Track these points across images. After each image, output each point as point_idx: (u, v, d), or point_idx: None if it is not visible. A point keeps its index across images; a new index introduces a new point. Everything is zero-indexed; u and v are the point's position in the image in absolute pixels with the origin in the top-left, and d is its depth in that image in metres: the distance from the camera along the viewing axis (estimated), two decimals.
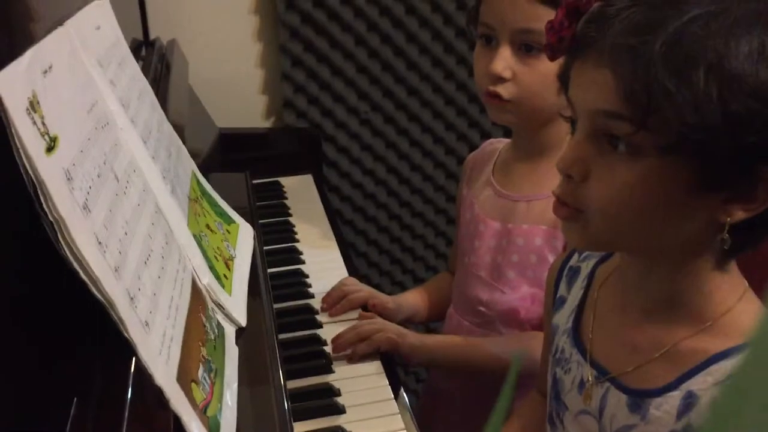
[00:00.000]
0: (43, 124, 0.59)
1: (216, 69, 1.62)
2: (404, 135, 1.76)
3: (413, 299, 1.28)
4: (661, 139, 0.58)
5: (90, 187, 0.64)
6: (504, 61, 1.00)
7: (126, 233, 0.68)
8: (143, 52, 1.41)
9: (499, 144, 1.21)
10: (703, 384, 0.65)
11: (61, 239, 0.57)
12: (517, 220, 1.09)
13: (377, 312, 1.18)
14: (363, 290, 1.20)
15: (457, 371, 1.15)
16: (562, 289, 0.83)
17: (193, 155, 1.30)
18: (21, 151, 0.55)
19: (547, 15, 0.97)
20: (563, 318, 0.81)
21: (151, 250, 0.73)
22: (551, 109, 0.99)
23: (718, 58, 0.55)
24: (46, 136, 0.59)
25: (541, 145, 1.08)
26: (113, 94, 0.82)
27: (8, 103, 0.54)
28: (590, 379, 0.74)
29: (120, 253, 0.65)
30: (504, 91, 1.02)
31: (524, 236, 1.07)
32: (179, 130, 1.24)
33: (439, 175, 1.82)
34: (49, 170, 0.57)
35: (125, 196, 0.72)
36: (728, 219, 0.61)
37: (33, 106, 0.58)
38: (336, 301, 1.18)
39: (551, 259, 1.05)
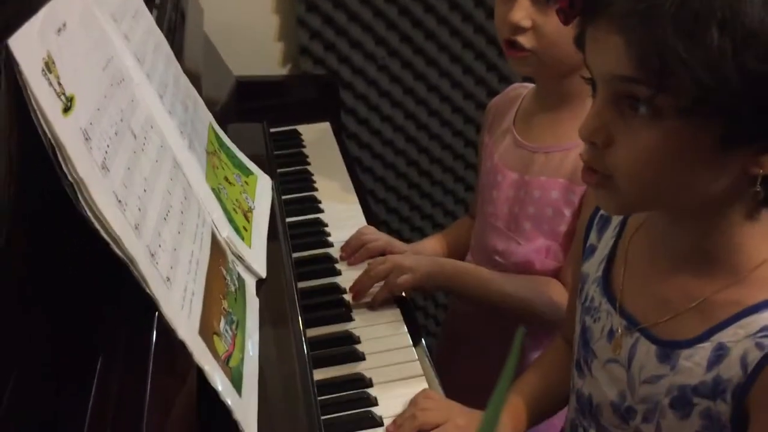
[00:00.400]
0: (59, 84, 0.60)
1: (231, 15, 1.60)
2: (422, 80, 1.74)
3: (431, 246, 1.29)
4: (681, 101, 0.57)
5: (108, 146, 0.65)
6: (523, 10, 0.99)
7: (145, 190, 0.69)
8: (158, 1, 1.40)
9: (523, 90, 1.19)
10: (734, 336, 0.65)
11: (81, 199, 0.57)
12: (535, 172, 1.08)
13: None
14: (381, 239, 1.21)
15: (470, 299, 1.16)
16: (593, 237, 0.83)
17: (210, 104, 1.30)
18: (38, 113, 0.55)
19: None
20: (593, 266, 0.81)
21: (171, 206, 0.74)
22: (572, 59, 0.97)
23: (731, 14, 0.54)
24: (63, 96, 0.59)
25: (562, 95, 1.07)
26: (128, 49, 0.82)
27: (24, 66, 0.54)
28: (620, 329, 0.75)
29: (140, 210, 0.66)
30: (523, 40, 1.01)
31: (541, 188, 1.07)
32: (195, 79, 1.24)
33: (457, 119, 1.81)
34: (66, 131, 0.57)
35: (143, 152, 0.72)
36: (761, 171, 0.60)
37: (48, 66, 0.59)
38: (354, 251, 1.19)
39: (567, 213, 1.05)
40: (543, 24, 0.99)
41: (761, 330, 0.64)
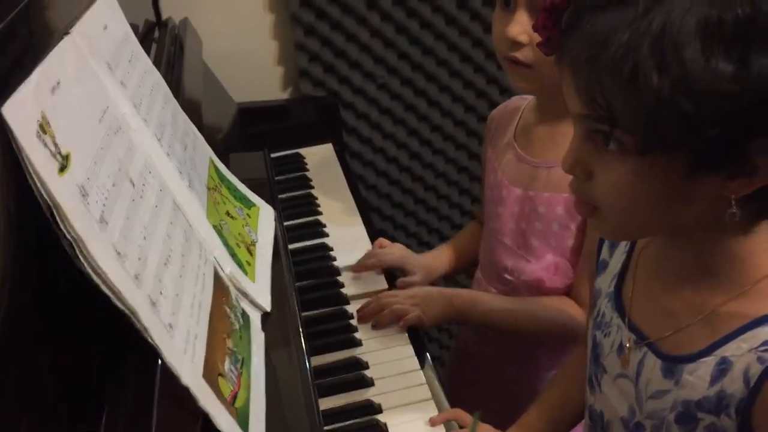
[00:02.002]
0: (55, 144, 0.61)
1: (230, 44, 1.62)
2: (422, 96, 1.75)
3: (445, 259, 1.30)
4: (636, 139, 0.59)
5: (106, 198, 0.66)
6: (520, 25, 0.99)
7: (145, 238, 0.70)
8: (156, 34, 1.42)
9: (522, 102, 1.19)
10: (737, 350, 0.65)
11: (80, 255, 0.59)
12: (538, 187, 1.09)
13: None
14: (395, 253, 1.22)
15: (484, 329, 1.17)
16: (604, 252, 0.84)
17: (213, 133, 1.32)
18: (34, 175, 0.57)
19: None
20: (605, 282, 0.82)
21: (171, 250, 0.75)
22: None
23: (665, 65, 0.55)
24: (58, 156, 0.61)
25: (561, 109, 1.07)
26: (124, 96, 0.83)
27: (17, 131, 0.56)
28: (629, 343, 0.75)
29: (140, 259, 0.67)
30: (521, 55, 1.01)
31: (546, 204, 1.07)
32: (196, 110, 1.26)
33: (459, 133, 1.82)
34: (63, 191, 0.59)
35: (142, 199, 0.74)
36: (732, 195, 0.61)
37: (43, 127, 0.60)
38: (370, 267, 1.20)
39: (573, 227, 1.06)
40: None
41: (763, 344, 0.64)
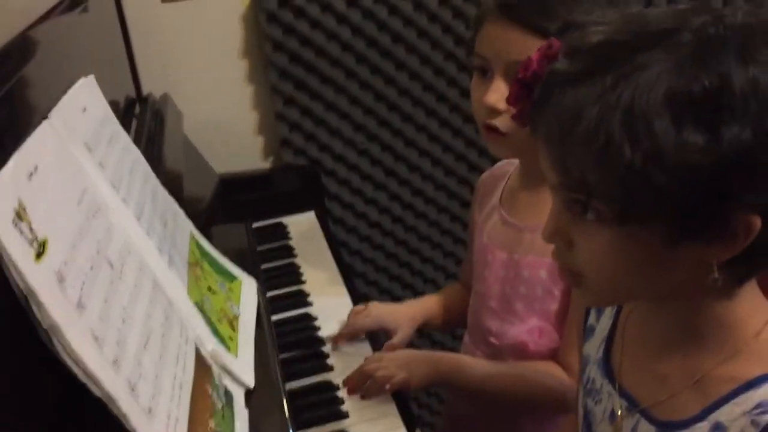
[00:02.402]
0: (31, 230, 0.61)
1: (210, 115, 1.64)
2: (402, 161, 1.77)
3: (426, 304, 1.29)
4: (613, 210, 0.60)
5: (83, 282, 0.66)
6: (498, 92, 1.00)
7: (123, 320, 0.70)
8: (137, 110, 1.43)
9: (510, 166, 1.20)
10: (731, 414, 0.64)
11: (57, 343, 0.58)
12: (523, 251, 1.09)
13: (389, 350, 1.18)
14: (370, 314, 1.21)
15: (469, 395, 1.15)
16: (592, 317, 0.83)
17: (195, 205, 1.32)
18: (9, 264, 0.56)
19: (540, 46, 0.97)
20: (593, 348, 0.81)
21: (151, 331, 0.74)
22: None
23: (636, 138, 0.56)
24: (35, 243, 0.61)
25: (543, 174, 1.08)
26: (103, 177, 0.83)
27: None
28: (620, 410, 0.74)
29: (118, 342, 0.66)
30: (500, 123, 1.02)
31: (530, 268, 1.08)
32: (177, 183, 1.26)
33: (441, 196, 1.83)
34: (39, 278, 0.58)
35: (121, 281, 0.73)
36: (714, 260, 0.61)
37: (19, 214, 0.60)
38: (346, 337, 1.19)
39: (557, 292, 1.05)
40: None
41: (757, 407, 0.63)
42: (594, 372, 0.79)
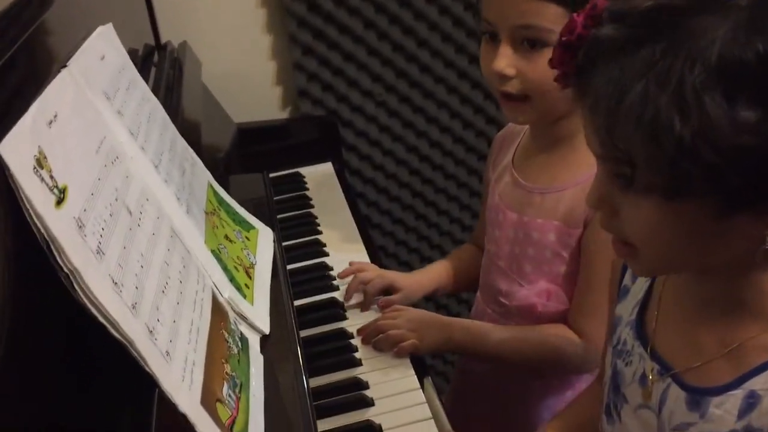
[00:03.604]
0: (51, 177, 0.62)
1: (229, 65, 1.64)
2: (420, 112, 1.77)
3: (436, 273, 1.30)
4: (660, 185, 0.58)
5: (103, 229, 0.67)
6: (506, 58, 0.99)
7: (142, 266, 0.72)
8: (156, 58, 1.44)
9: (525, 126, 1.20)
10: (766, 384, 0.64)
11: (77, 287, 0.60)
12: (532, 213, 1.09)
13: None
14: (380, 277, 1.22)
15: (481, 359, 1.17)
16: (627, 278, 0.82)
17: (213, 155, 1.33)
18: (30, 210, 0.58)
19: (545, 10, 0.96)
20: (627, 309, 0.80)
21: (169, 277, 0.76)
22: (563, 104, 0.98)
23: (686, 113, 0.54)
24: (55, 190, 0.62)
25: (555, 137, 1.07)
26: (121, 125, 0.84)
27: (14, 168, 0.57)
28: (651, 374, 0.74)
29: (137, 288, 0.68)
30: (511, 88, 1.01)
31: (539, 230, 1.08)
32: (196, 132, 1.27)
33: (458, 149, 1.83)
34: (59, 224, 0.60)
35: (139, 228, 0.75)
36: (766, 232, 0.60)
37: (40, 162, 0.61)
38: (353, 293, 1.21)
39: (565, 254, 1.06)
40: (527, 71, 0.98)
41: None
42: (626, 333, 0.79)
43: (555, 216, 1.06)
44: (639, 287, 0.80)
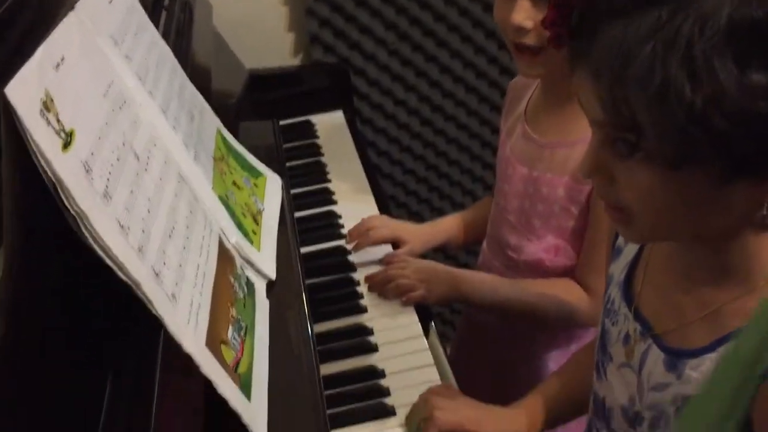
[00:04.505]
0: (58, 121, 0.63)
1: (240, 9, 1.62)
2: (433, 62, 1.75)
3: (447, 226, 1.31)
4: (665, 152, 0.57)
5: (110, 173, 0.68)
6: (524, 11, 0.98)
7: (149, 211, 0.73)
8: (166, 1, 1.42)
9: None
10: None
11: (84, 230, 0.61)
12: (542, 168, 1.09)
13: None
14: (387, 226, 1.23)
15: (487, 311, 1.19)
16: (620, 239, 0.83)
17: (223, 100, 1.33)
18: (37, 153, 0.59)
19: None
20: (618, 269, 0.81)
21: (175, 222, 0.77)
22: None
23: (696, 78, 0.53)
24: (62, 133, 0.63)
25: (567, 92, 1.06)
26: (129, 70, 0.85)
27: (21, 111, 0.57)
28: (635, 334, 0.75)
29: (143, 231, 0.69)
30: (528, 40, 1.00)
31: (548, 186, 1.08)
32: (206, 78, 1.27)
33: (471, 100, 1.81)
34: (66, 167, 0.61)
35: (146, 173, 0.76)
36: (766, 197, 0.59)
37: (46, 105, 0.62)
38: (357, 236, 1.21)
39: (575, 210, 1.06)
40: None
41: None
42: (615, 293, 0.80)
43: (564, 171, 1.06)
44: (631, 249, 0.80)
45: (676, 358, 0.70)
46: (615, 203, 0.65)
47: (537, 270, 1.11)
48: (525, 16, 0.98)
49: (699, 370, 0.67)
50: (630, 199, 0.63)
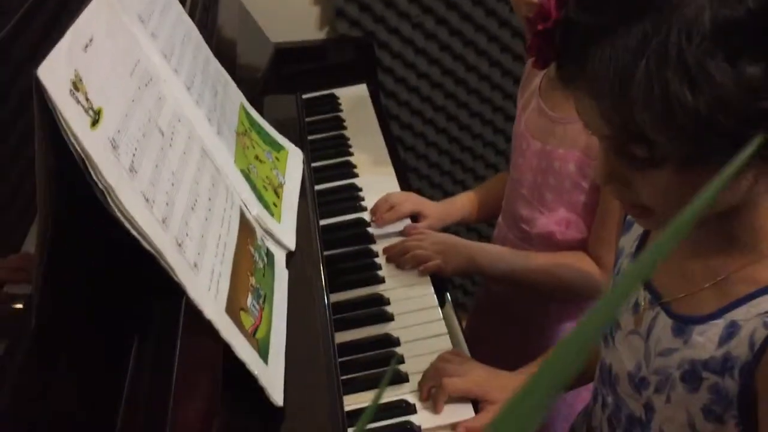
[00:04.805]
0: (87, 99, 0.67)
1: None
2: (457, 35, 1.76)
3: (461, 205, 1.35)
4: (678, 156, 0.59)
5: (136, 149, 0.72)
6: None
7: (173, 184, 0.77)
8: None
9: None
10: (746, 314, 0.67)
11: (111, 203, 0.65)
12: (555, 143, 1.11)
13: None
14: (408, 200, 1.26)
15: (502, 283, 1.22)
16: None
17: (250, 74, 1.36)
18: (67, 130, 0.63)
19: None
20: (629, 241, 0.83)
21: (198, 195, 0.81)
22: None
23: (695, 84, 0.54)
24: (91, 111, 0.67)
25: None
26: (155, 48, 0.88)
27: (52, 91, 0.61)
28: (644, 302, 0.77)
29: (167, 204, 0.74)
30: None
31: (560, 160, 1.10)
32: (232, 52, 1.30)
33: (494, 73, 1.82)
34: (95, 144, 0.65)
35: (170, 148, 0.80)
36: None
37: (76, 85, 0.66)
38: (382, 213, 1.25)
39: (586, 185, 1.08)
40: None
41: None
42: (626, 265, 0.82)
43: (576, 146, 1.07)
44: None
45: (683, 324, 0.72)
46: (635, 203, 0.68)
47: (549, 243, 1.13)
48: None
49: (705, 335, 0.70)
50: (647, 199, 0.65)
